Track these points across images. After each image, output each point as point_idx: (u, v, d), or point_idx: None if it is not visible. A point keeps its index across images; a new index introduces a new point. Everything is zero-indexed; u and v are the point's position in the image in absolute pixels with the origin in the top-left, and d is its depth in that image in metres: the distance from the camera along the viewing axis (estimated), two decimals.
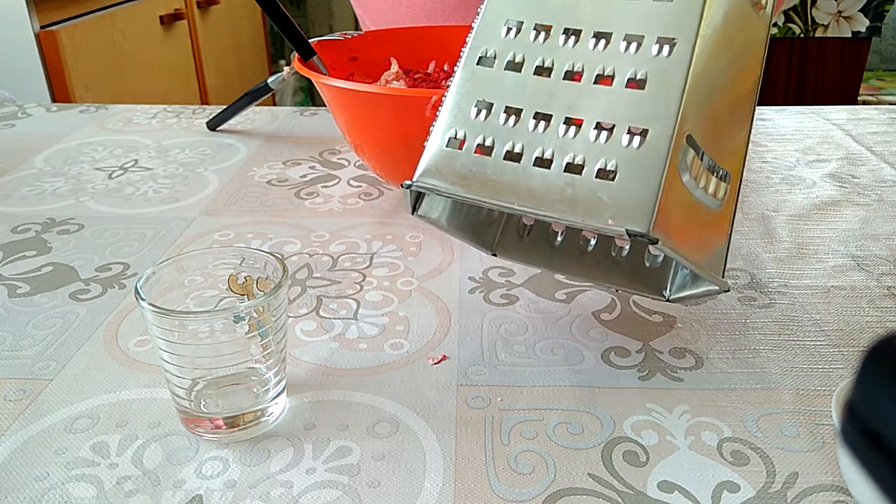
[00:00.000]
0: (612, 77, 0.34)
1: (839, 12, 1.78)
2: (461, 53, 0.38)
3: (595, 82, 0.34)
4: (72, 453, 0.35)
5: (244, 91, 0.77)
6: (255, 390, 0.37)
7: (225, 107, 0.80)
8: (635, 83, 0.34)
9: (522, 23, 0.36)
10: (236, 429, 0.36)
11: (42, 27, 1.43)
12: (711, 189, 0.35)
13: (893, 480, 0.27)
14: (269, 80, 0.74)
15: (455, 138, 0.36)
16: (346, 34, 0.67)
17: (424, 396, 0.39)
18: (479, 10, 0.38)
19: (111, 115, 0.86)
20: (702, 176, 0.35)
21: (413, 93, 0.50)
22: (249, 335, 0.34)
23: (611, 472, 0.34)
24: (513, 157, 0.35)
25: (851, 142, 0.74)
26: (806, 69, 1.87)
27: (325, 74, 0.60)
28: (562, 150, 0.34)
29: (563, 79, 0.35)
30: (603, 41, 0.35)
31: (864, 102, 2.05)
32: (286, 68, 0.70)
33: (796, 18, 1.80)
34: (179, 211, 0.61)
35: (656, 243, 0.32)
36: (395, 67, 0.65)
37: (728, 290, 0.37)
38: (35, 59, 1.42)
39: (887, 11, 1.78)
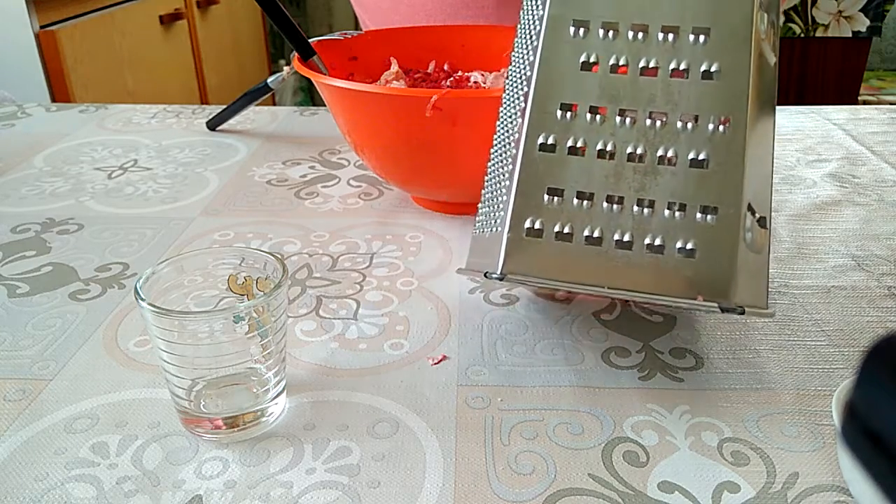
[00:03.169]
0: (675, 157, 0.35)
1: (840, 12, 1.78)
2: (514, 138, 0.38)
3: (658, 163, 0.36)
4: (71, 453, 0.35)
5: (244, 91, 0.77)
6: (254, 390, 0.37)
7: (225, 107, 0.80)
8: (698, 162, 0.35)
9: (575, 105, 0.37)
10: (236, 429, 0.36)
11: (42, 27, 1.43)
12: (761, 240, 0.37)
13: (894, 481, 0.27)
14: (269, 80, 0.74)
15: (533, 227, 0.37)
16: (345, 34, 0.67)
17: (424, 396, 0.39)
18: (526, 92, 0.38)
19: (111, 114, 0.86)
20: (756, 232, 0.36)
21: (413, 93, 0.50)
22: (249, 335, 0.34)
23: (611, 473, 0.34)
24: (593, 241, 0.36)
25: (852, 142, 0.74)
26: (806, 69, 1.86)
27: (324, 74, 0.59)
28: (640, 230, 0.35)
29: (627, 160, 0.36)
30: (660, 121, 0.36)
31: (865, 102, 2.05)
32: (286, 68, 0.70)
33: (797, 18, 1.80)
34: (179, 211, 0.61)
35: (743, 313, 0.34)
36: (394, 67, 0.65)
37: (773, 316, 0.38)
38: (35, 59, 1.42)
39: (888, 11, 1.78)
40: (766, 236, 0.38)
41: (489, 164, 0.42)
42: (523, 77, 0.38)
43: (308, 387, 0.39)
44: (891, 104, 1.34)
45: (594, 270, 0.36)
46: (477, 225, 0.41)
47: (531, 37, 0.38)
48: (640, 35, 0.36)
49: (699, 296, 0.34)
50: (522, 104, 0.38)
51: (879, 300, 0.47)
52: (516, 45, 0.40)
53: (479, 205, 0.42)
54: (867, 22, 1.77)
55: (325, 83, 0.52)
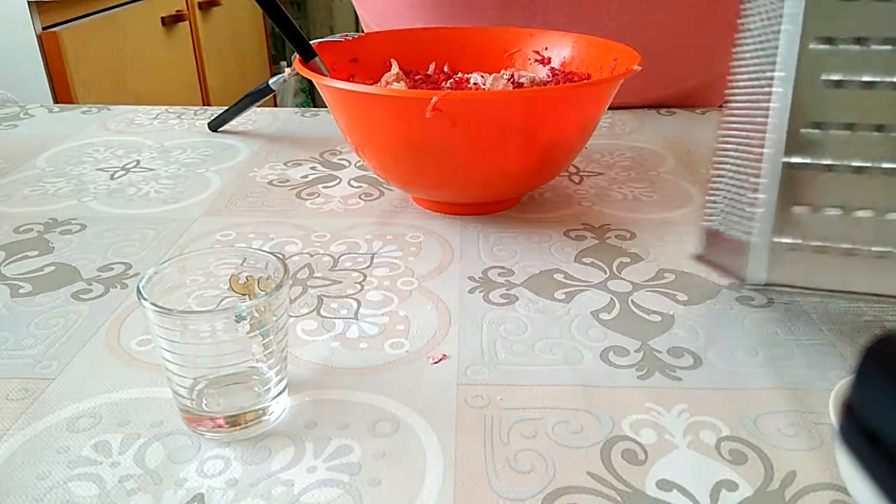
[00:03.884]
0: None
1: None
2: (755, 150, 0.38)
3: None
4: (74, 452, 0.35)
5: (245, 92, 0.77)
6: (256, 389, 0.37)
7: (226, 108, 0.80)
8: None
9: (826, 122, 0.37)
10: (237, 428, 0.36)
11: (44, 28, 1.43)
12: None
13: (891, 478, 0.27)
14: (271, 82, 0.74)
15: (789, 240, 0.38)
16: (346, 36, 0.67)
17: (425, 395, 0.39)
18: (766, 108, 0.37)
19: (113, 115, 0.86)
20: None
21: (413, 94, 0.50)
22: (251, 335, 0.35)
23: (609, 471, 0.34)
24: (851, 252, 0.37)
25: None
26: None
27: (325, 76, 0.60)
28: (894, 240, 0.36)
29: (882, 174, 0.36)
30: None
31: None
32: (287, 69, 0.71)
33: None
34: (181, 211, 0.61)
35: None
36: (395, 69, 0.66)
37: None
38: (37, 60, 1.42)
39: None
40: None
41: (718, 162, 0.42)
42: (761, 91, 0.37)
43: (309, 386, 0.40)
44: None
45: (853, 278, 0.38)
46: (711, 220, 0.42)
47: (768, 50, 0.37)
48: (893, 48, 0.35)
49: None
50: (763, 118, 0.37)
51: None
52: (746, 54, 0.39)
53: (709, 199, 0.42)
54: None
55: (326, 84, 0.52)
